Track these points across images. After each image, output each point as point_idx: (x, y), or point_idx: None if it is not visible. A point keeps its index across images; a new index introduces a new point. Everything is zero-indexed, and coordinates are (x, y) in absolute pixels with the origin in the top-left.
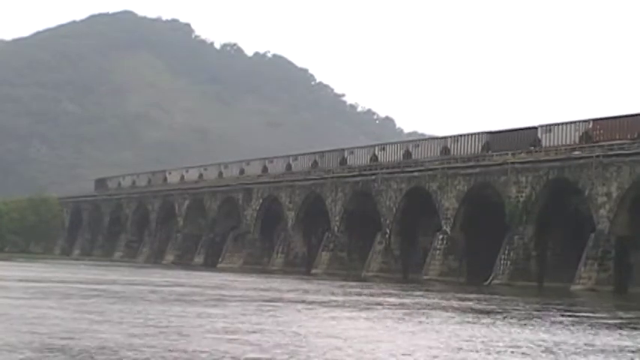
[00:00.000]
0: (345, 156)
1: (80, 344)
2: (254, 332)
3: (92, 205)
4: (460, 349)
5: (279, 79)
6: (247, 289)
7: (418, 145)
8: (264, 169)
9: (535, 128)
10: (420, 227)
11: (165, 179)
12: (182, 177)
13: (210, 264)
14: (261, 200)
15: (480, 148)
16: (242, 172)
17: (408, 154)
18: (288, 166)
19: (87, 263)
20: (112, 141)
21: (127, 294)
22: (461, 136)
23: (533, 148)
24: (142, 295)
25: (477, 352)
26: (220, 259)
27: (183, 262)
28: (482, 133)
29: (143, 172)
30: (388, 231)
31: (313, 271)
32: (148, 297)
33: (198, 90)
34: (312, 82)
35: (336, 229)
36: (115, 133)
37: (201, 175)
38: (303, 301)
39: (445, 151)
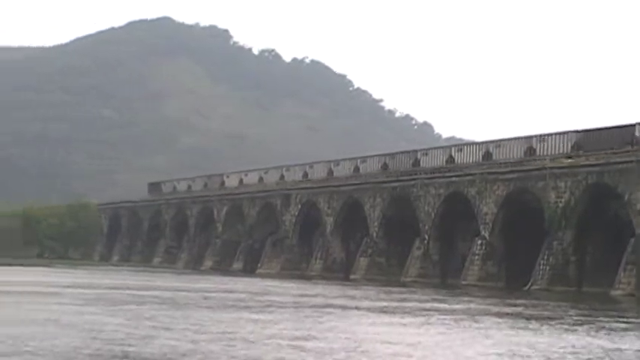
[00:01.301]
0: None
1: (143, 351)
2: (310, 338)
3: (131, 211)
4: (519, 355)
5: (317, 85)
6: (295, 295)
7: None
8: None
9: (632, 126)
10: (459, 232)
11: (222, 183)
12: (241, 180)
13: (249, 270)
14: (299, 206)
15: (569, 147)
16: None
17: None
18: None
19: (128, 269)
20: (150, 147)
21: (178, 300)
22: (548, 135)
23: (630, 148)
24: (193, 301)
25: (537, 358)
26: (259, 265)
27: (222, 268)
28: (571, 132)
29: (199, 175)
30: (427, 236)
31: (352, 276)
32: (199, 303)
33: (237, 96)
34: (351, 88)
35: (374, 234)
36: (153, 139)
37: (261, 179)
38: (352, 307)
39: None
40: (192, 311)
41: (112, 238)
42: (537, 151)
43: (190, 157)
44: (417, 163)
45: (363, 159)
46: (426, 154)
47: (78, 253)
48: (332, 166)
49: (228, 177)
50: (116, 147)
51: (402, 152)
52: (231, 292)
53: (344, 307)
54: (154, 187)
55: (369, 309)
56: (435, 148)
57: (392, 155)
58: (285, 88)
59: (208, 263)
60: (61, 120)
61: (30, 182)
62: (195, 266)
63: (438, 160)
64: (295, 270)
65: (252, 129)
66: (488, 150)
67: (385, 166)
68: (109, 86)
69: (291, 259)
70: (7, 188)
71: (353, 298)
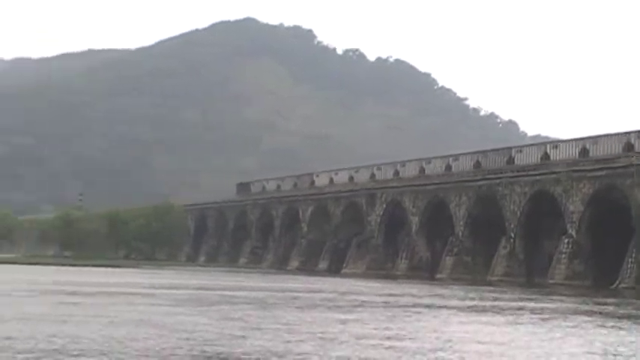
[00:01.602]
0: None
1: (236, 351)
2: (402, 338)
3: (217, 211)
4: (612, 354)
5: (401, 84)
6: (382, 294)
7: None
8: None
9: None
10: (545, 231)
11: (312, 182)
12: (331, 180)
13: (334, 270)
14: (384, 205)
15: None
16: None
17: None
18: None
19: (215, 270)
20: (234, 148)
21: (268, 300)
22: None
23: None
24: (282, 301)
25: (634, 358)
26: (344, 265)
27: (308, 268)
28: None
29: (289, 175)
30: (512, 235)
31: (437, 276)
32: (289, 303)
33: (320, 96)
34: (435, 87)
35: (460, 233)
36: (237, 141)
37: (351, 178)
38: (441, 306)
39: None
40: (282, 311)
41: (198, 238)
42: (635, 147)
43: (274, 157)
44: (511, 160)
45: (455, 157)
46: (521, 152)
47: (164, 253)
48: (423, 164)
49: (317, 176)
50: (201, 148)
51: (493, 150)
52: (318, 292)
53: (433, 307)
54: (243, 187)
55: (458, 308)
56: (528, 145)
57: (484, 153)
58: (368, 87)
59: (294, 263)
60: (146, 122)
61: (116, 184)
62: (280, 266)
63: (532, 157)
64: (380, 270)
65: (335, 129)
66: (584, 146)
67: (478, 164)
68: (192, 88)
69: (377, 258)
70: (94, 189)
71: (441, 297)
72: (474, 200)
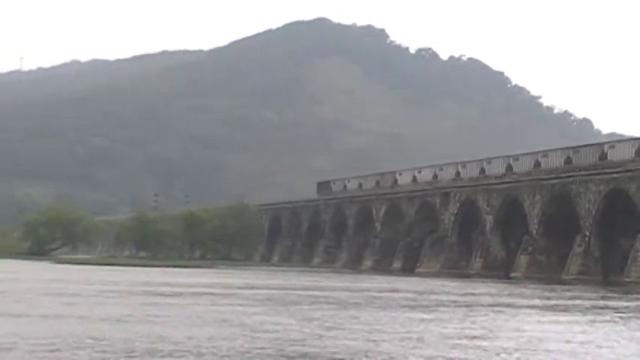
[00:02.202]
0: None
1: (323, 352)
2: (485, 337)
3: (291, 211)
4: None
5: (474, 83)
6: (460, 293)
7: (613, 147)
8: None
9: None
10: (620, 229)
11: (395, 181)
12: (414, 178)
13: (408, 269)
14: (458, 204)
15: None
16: (458, 174)
17: (603, 156)
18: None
19: (290, 269)
20: (307, 147)
21: (347, 300)
22: None
23: None
24: (362, 300)
25: None
26: (418, 264)
27: (382, 268)
28: None
29: (371, 173)
30: (587, 233)
31: (512, 274)
32: (369, 303)
33: (393, 95)
34: (509, 85)
35: (534, 232)
36: (312, 140)
37: (435, 176)
38: (521, 306)
39: None
40: (363, 311)
41: (272, 238)
42: None
43: (347, 157)
44: (603, 156)
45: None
46: (613, 147)
47: (240, 253)
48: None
49: (400, 175)
50: (275, 148)
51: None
52: (396, 291)
53: (512, 306)
54: (323, 186)
55: (537, 307)
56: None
57: (576, 149)
58: (441, 86)
59: (367, 263)
60: (220, 122)
61: (191, 184)
62: (354, 266)
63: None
64: (455, 269)
65: (408, 128)
66: None
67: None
68: (266, 88)
69: (451, 257)
70: (169, 190)
71: (519, 296)
72: (548, 198)
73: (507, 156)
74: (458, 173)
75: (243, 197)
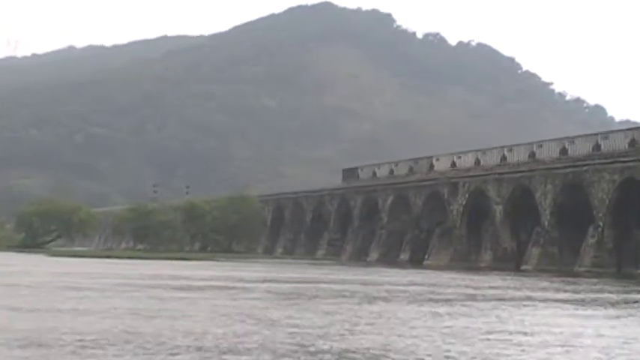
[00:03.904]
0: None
1: (360, 347)
2: (522, 333)
3: (294, 202)
4: None
5: (483, 69)
6: (478, 287)
7: (607, 137)
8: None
9: None
10: (635, 219)
11: (431, 166)
12: (453, 163)
13: (416, 261)
14: (467, 195)
15: None
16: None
17: (633, 142)
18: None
19: (298, 262)
20: (311, 136)
21: (368, 293)
22: None
23: None
24: (383, 294)
25: None
26: (426, 256)
27: (388, 260)
28: None
29: (404, 159)
30: (601, 224)
31: (523, 267)
32: (391, 297)
33: (400, 82)
34: (519, 71)
35: (546, 222)
36: (315, 128)
37: (477, 161)
38: (544, 299)
39: None
40: (389, 305)
41: (275, 230)
42: None
43: (354, 145)
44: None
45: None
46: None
47: (241, 246)
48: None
49: (438, 160)
50: (278, 137)
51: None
52: (415, 284)
53: (537, 299)
54: (349, 173)
55: (561, 301)
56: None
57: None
58: (449, 73)
59: (374, 255)
60: (222, 110)
61: (192, 174)
62: (360, 258)
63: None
64: (464, 261)
65: (414, 116)
66: None
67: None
68: (269, 74)
69: (460, 249)
70: (169, 180)
71: (538, 289)
72: (561, 188)
73: (502, 146)
74: (504, 157)
75: (247, 187)
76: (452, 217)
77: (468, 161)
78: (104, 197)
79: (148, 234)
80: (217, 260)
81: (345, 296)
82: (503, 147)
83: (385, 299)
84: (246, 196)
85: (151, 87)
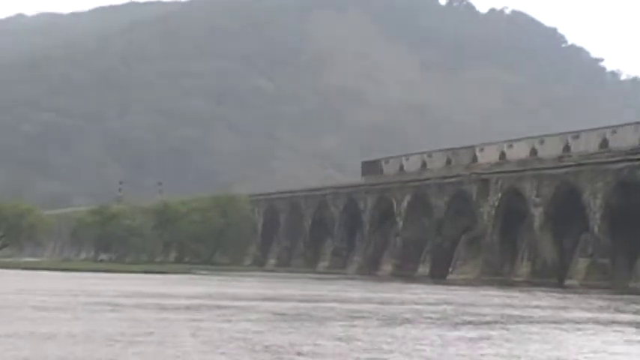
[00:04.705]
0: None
1: None
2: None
3: (290, 203)
4: None
5: (520, 42)
6: (521, 306)
7: None
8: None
9: None
10: None
11: (474, 158)
12: (502, 154)
13: (438, 275)
14: (499, 194)
15: None
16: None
17: None
18: (533, 151)
19: (299, 277)
20: (311, 124)
21: (390, 315)
22: None
23: None
24: (412, 316)
25: None
26: (450, 269)
27: (405, 274)
28: None
29: (439, 149)
30: None
31: (567, 282)
32: (416, 318)
33: (419, 58)
34: (563, 45)
35: (596, 228)
36: (316, 114)
37: (534, 151)
38: (608, 322)
39: None
40: (412, 328)
41: (267, 237)
42: None
43: (362, 134)
44: None
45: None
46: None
47: (226, 257)
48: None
49: (482, 150)
50: (270, 125)
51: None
52: (447, 303)
53: (590, 322)
54: (371, 167)
55: (626, 323)
56: None
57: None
58: (478, 47)
59: (386, 267)
60: (202, 93)
61: (165, 170)
62: (370, 271)
63: None
64: (496, 275)
65: (435, 99)
66: None
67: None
68: (260, 50)
69: (491, 261)
70: (138, 177)
71: (598, 310)
72: (613, 187)
73: (530, 137)
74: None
75: (231, 186)
76: (481, 222)
77: (520, 151)
78: (61, 198)
79: (112, 242)
80: (197, 274)
81: (361, 317)
82: (534, 138)
83: (410, 322)
84: (232, 196)
85: (116, 64)
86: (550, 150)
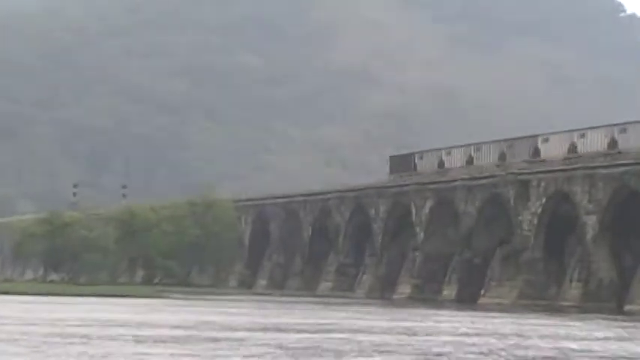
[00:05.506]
0: None
1: None
2: None
3: (285, 210)
4: None
5: (569, 13)
6: (582, 338)
7: None
8: (535, 152)
9: None
10: None
11: (535, 151)
12: (572, 146)
13: (467, 298)
14: (544, 198)
15: None
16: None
17: None
18: (572, 147)
19: (298, 300)
20: (311, 110)
21: (424, 349)
22: None
23: None
24: (451, 350)
25: None
26: (482, 291)
27: (426, 297)
28: None
29: (488, 140)
30: None
31: (627, 307)
32: (463, 356)
33: (445, 31)
34: (621, 14)
35: None
36: (317, 99)
37: (613, 142)
38: None
39: None
40: None
41: (256, 252)
42: None
43: (375, 124)
44: None
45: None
46: None
47: (205, 276)
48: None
49: (547, 141)
50: (262, 112)
51: None
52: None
53: None
54: (401, 162)
55: None
56: None
57: None
58: (518, 19)
59: (404, 289)
60: (177, 72)
61: (131, 168)
62: (383, 294)
63: None
64: (539, 298)
65: (464, 81)
66: None
67: None
68: (247, 20)
69: (533, 280)
70: (97, 178)
71: None
72: None
73: (570, 131)
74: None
75: (214, 188)
76: (520, 233)
77: (596, 142)
78: (3, 203)
79: (64, 258)
80: (171, 297)
81: (387, 352)
82: (573, 131)
83: (450, 358)
84: (213, 201)
85: (69, 38)
86: (592, 146)
